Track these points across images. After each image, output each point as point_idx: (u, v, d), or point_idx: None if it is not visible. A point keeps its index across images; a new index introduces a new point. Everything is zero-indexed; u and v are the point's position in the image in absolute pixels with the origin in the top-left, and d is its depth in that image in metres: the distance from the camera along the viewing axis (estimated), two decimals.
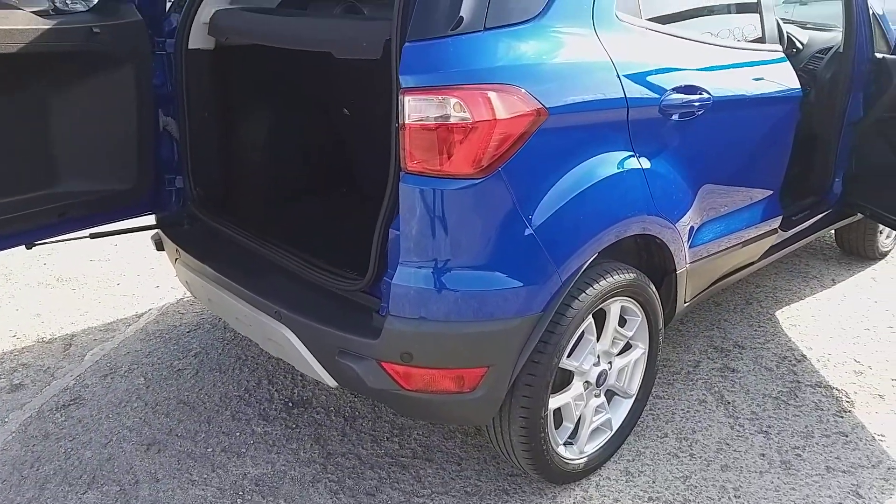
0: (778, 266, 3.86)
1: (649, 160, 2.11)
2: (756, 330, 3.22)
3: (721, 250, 2.59)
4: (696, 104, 2.21)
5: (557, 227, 1.87)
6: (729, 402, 2.70)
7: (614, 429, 2.36)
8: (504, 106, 1.70)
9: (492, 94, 1.68)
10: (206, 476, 2.32)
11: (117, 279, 3.71)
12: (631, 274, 2.15)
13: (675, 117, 2.15)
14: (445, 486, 2.27)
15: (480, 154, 1.70)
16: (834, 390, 2.78)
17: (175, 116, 2.61)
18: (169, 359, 2.98)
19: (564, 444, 2.22)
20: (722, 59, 2.39)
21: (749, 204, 2.66)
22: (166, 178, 2.69)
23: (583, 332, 2.11)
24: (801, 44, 3.52)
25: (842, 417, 2.63)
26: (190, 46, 2.54)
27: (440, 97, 1.66)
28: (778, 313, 3.38)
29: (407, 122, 1.69)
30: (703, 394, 2.75)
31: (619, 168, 2.00)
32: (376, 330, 1.85)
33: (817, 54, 3.48)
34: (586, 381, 2.20)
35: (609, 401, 2.39)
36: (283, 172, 2.90)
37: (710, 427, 2.56)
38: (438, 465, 2.37)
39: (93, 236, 2.56)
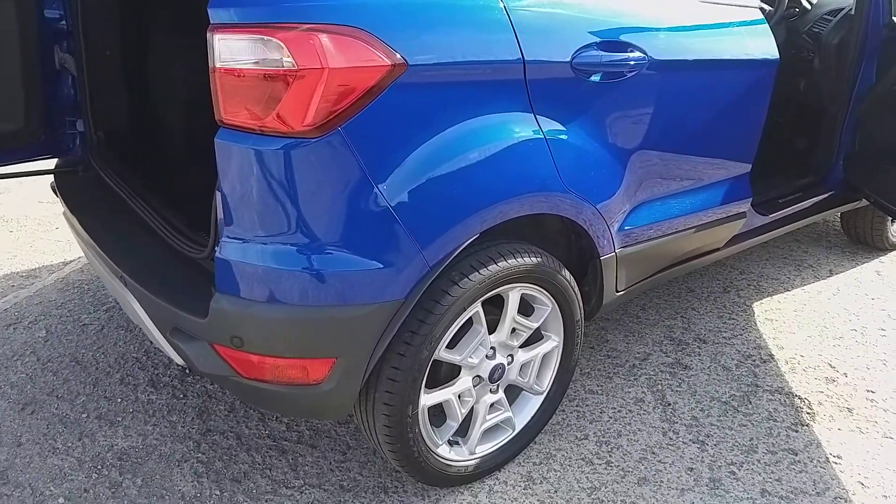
0: (771, 250, 3.47)
1: (557, 128, 1.78)
2: (725, 322, 2.88)
3: (665, 235, 2.25)
4: (627, 64, 1.86)
5: (421, 202, 1.58)
6: (669, 404, 2.39)
7: (517, 428, 2.09)
8: (341, 53, 1.40)
9: (324, 38, 1.38)
10: (70, 445, 2.15)
11: (58, 223, 3.56)
12: (533, 258, 1.85)
13: (594, 78, 1.80)
14: (320, 479, 2.06)
15: (310, 108, 1.41)
16: (795, 398, 2.44)
17: (74, 53, 2.38)
18: (78, 312, 2.81)
19: (450, 444, 1.97)
20: (667, 13, 2.01)
21: (704, 185, 2.30)
22: (66, 121, 2.48)
23: (470, 320, 1.83)
24: (810, 3, 3.05)
25: (796, 432, 2.30)
26: None
27: (258, 37, 1.37)
28: (756, 304, 3.02)
29: (217, 65, 1.41)
30: (643, 392, 2.45)
31: (509, 135, 1.68)
32: (207, 309, 1.61)
33: (825, 16, 3.02)
34: (477, 376, 1.92)
35: (515, 397, 2.12)
36: (188, 119, 2.64)
37: (640, 431, 2.27)
38: (321, 453, 2.14)
39: None
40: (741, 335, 2.79)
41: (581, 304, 2.06)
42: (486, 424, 2.00)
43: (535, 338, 2.07)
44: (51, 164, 2.54)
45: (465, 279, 1.73)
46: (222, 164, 1.48)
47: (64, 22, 2.37)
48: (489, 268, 1.76)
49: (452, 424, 1.92)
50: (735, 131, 2.30)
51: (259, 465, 2.10)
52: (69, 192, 2.30)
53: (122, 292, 1.86)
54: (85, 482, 2.02)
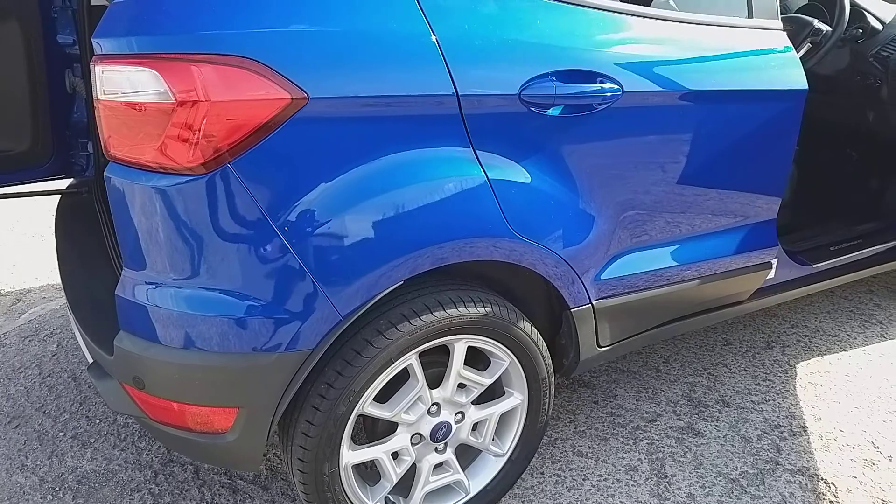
0: (836, 301, 3.07)
1: (505, 166, 1.60)
2: (759, 384, 2.55)
3: (660, 286, 2.00)
4: (594, 96, 1.65)
5: (329, 247, 1.45)
6: (665, 476, 2.12)
7: (472, 492, 1.90)
8: (227, 85, 1.31)
9: (206, 69, 1.29)
10: (38, 463, 2.18)
11: None
12: (481, 307, 1.68)
13: (552, 112, 1.61)
14: None
15: (194, 143, 1.32)
16: (820, 482, 2.10)
17: (85, 77, 2.44)
18: None
19: None
20: (647, 39, 1.78)
21: (709, 232, 2.03)
22: (79, 143, 2.55)
23: (404, 373, 1.68)
24: (881, 23, 2.67)
25: None
26: (93, 2, 2.34)
27: (137, 68, 1.30)
28: (801, 365, 2.65)
29: (100, 97, 1.35)
30: (640, 459, 2.19)
31: (439, 174, 1.52)
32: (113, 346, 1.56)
33: None
34: (417, 434, 1.76)
35: (474, 458, 1.93)
36: None
37: (615, 497, 2.02)
38: (270, 497, 2.05)
39: None
40: (774, 400, 2.46)
41: (547, 361, 1.86)
42: (430, 486, 1.83)
43: (498, 393, 1.89)
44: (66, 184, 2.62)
45: (393, 329, 1.58)
46: (112, 200, 1.42)
47: (77, 46, 2.44)
48: (423, 317, 1.61)
49: (386, 485, 1.77)
50: (750, 172, 2.01)
51: (206, 503, 2.03)
52: (63, 212, 2.35)
53: (71, 321, 1.86)
54: (39, 503, 2.03)
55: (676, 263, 2.01)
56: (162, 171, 1.36)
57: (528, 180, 1.64)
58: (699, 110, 1.83)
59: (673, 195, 1.89)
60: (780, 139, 2.00)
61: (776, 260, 2.26)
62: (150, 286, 1.46)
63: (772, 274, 2.28)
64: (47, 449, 2.23)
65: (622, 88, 1.68)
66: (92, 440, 2.27)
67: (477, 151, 1.56)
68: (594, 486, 2.08)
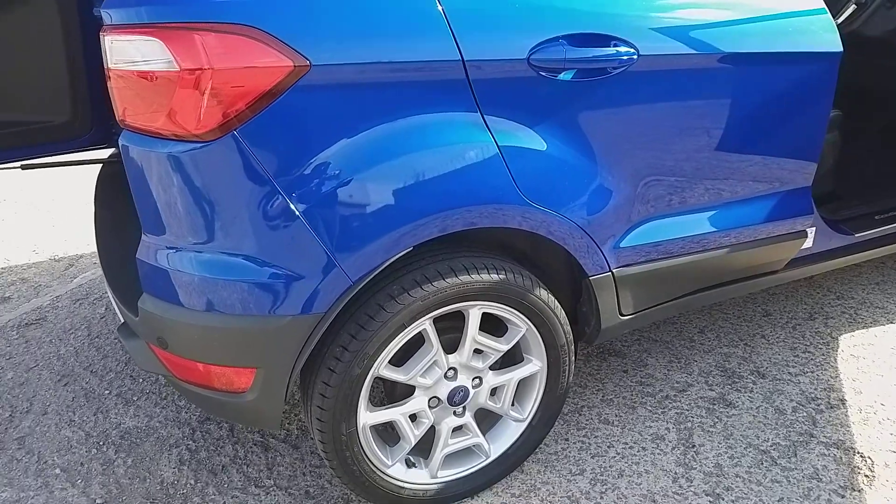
0: (886, 272, 2.94)
1: (515, 132, 1.59)
2: (798, 355, 2.47)
3: (685, 254, 1.95)
4: (608, 60, 1.61)
5: (336, 212, 1.47)
6: (693, 446, 2.09)
7: (492, 455, 1.92)
8: (230, 53, 1.33)
9: (209, 38, 1.32)
10: (85, 419, 2.30)
11: None
12: (494, 274, 1.68)
13: (564, 77, 1.58)
14: (290, 482, 2.03)
15: (200, 111, 1.35)
16: (856, 456, 2.04)
17: None
18: None
19: (406, 465, 1.85)
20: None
21: (738, 199, 1.96)
22: None
23: (421, 338, 1.70)
24: None
25: (842, 497, 1.92)
26: None
27: (143, 38, 1.34)
28: (844, 337, 2.56)
29: (110, 66, 1.39)
30: (667, 428, 2.16)
31: (445, 140, 1.52)
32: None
33: None
34: (434, 397, 1.79)
35: (495, 422, 1.95)
36: None
37: (647, 474, 2.00)
38: (300, 456, 2.12)
39: (24, 167, 2.58)
40: (812, 373, 2.38)
41: (566, 328, 1.84)
42: (450, 449, 1.86)
43: (518, 359, 1.89)
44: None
45: (405, 295, 1.60)
46: (127, 167, 1.47)
47: None
48: (435, 284, 1.62)
49: (405, 446, 1.81)
50: (781, 138, 1.93)
51: (240, 459, 2.11)
52: (102, 181, 2.44)
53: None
54: (84, 456, 2.15)
55: (702, 231, 1.96)
56: (172, 138, 1.40)
57: (541, 147, 1.62)
58: (722, 73, 1.76)
59: (696, 162, 1.83)
60: (812, 104, 1.91)
61: (813, 229, 2.17)
62: (169, 250, 1.52)
63: (809, 243, 2.19)
64: (93, 406, 2.36)
65: (638, 52, 1.63)
66: (135, 398, 2.39)
67: (485, 117, 1.55)
68: (619, 454, 2.08)
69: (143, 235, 1.55)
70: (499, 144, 1.56)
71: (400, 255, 1.56)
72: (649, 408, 2.25)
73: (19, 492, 2.02)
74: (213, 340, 1.56)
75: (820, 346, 2.52)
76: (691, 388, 2.34)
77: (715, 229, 1.97)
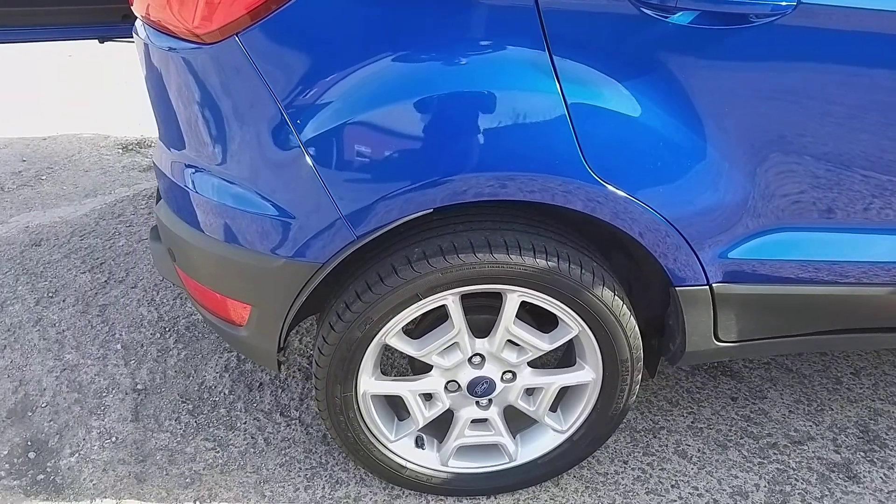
0: None
1: (594, 86, 1.21)
2: None
3: (832, 283, 1.46)
4: (751, 4, 1.15)
5: (345, 150, 1.22)
6: None
7: (518, 461, 1.64)
8: None
9: None
10: (164, 301, 2.34)
11: None
12: (546, 261, 1.35)
13: (679, 19, 1.16)
14: (315, 419, 1.90)
15: (196, 4, 1.15)
16: None
17: None
18: None
19: (416, 444, 1.64)
20: None
21: None
22: None
23: (445, 315, 1.44)
24: None
25: None
26: None
27: None
28: None
29: None
30: (756, 485, 1.73)
31: (490, 81, 1.19)
32: None
33: None
34: (453, 381, 1.53)
35: (530, 424, 1.66)
36: None
37: None
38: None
39: (102, 40, 2.58)
40: None
41: (634, 342, 1.48)
42: (466, 440, 1.61)
43: (571, 362, 1.57)
44: None
45: (424, 262, 1.34)
46: (138, 55, 1.33)
47: None
48: (463, 256, 1.33)
49: (412, 424, 1.58)
50: None
51: (279, 381, 2.03)
52: None
53: None
54: (148, 338, 2.19)
55: (861, 259, 1.46)
56: (173, 34, 1.22)
57: (627, 108, 1.23)
58: None
59: (864, 161, 1.32)
60: None
61: None
62: (173, 159, 1.38)
63: None
64: (176, 291, 2.40)
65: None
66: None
67: (554, 59, 1.19)
68: (681, 498, 1.70)
69: (158, 138, 1.43)
70: (566, 97, 1.20)
71: (417, 215, 1.28)
72: (745, 453, 1.82)
73: (80, 357, 2.10)
74: (209, 265, 1.43)
75: None
76: (811, 442, 1.85)
77: (873, 259, 1.45)
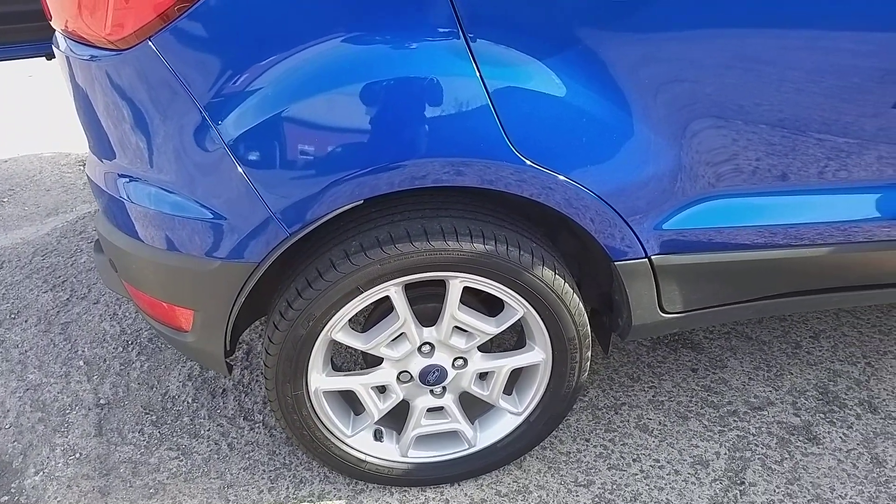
0: None
1: (509, 63, 1.21)
2: None
3: (770, 247, 1.48)
4: None
5: (269, 148, 1.22)
6: (741, 483, 1.67)
7: (477, 446, 1.65)
8: None
9: None
10: (126, 314, 2.34)
11: None
12: (483, 244, 1.36)
13: None
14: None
15: (106, 10, 1.15)
16: None
17: None
18: None
19: (375, 437, 1.64)
20: None
21: (859, 182, 1.43)
22: None
23: (388, 306, 1.45)
24: None
25: None
26: None
27: None
28: None
29: None
30: (717, 453, 1.75)
31: (405, 67, 1.19)
32: None
33: None
34: (405, 372, 1.54)
35: (488, 409, 1.67)
36: None
37: (663, 491, 1.64)
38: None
39: (49, 57, 2.56)
40: None
41: (579, 318, 1.49)
42: (423, 430, 1.61)
43: (520, 345, 1.58)
44: None
45: (362, 254, 1.34)
46: (64, 73, 1.32)
47: None
48: (400, 246, 1.34)
49: (367, 418, 1.59)
50: None
51: (242, 385, 2.03)
52: None
53: None
54: (110, 353, 2.18)
55: (797, 221, 1.47)
56: (90, 43, 1.22)
57: (549, 87, 1.24)
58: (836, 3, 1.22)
59: (797, 123, 1.33)
60: None
61: None
62: (105, 170, 1.38)
63: None
64: None
65: None
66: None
67: (469, 40, 1.19)
68: (642, 472, 1.71)
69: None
70: (484, 79, 1.20)
71: (346, 208, 1.29)
72: (705, 422, 1.83)
73: (43, 376, 2.10)
74: (150, 273, 1.43)
75: None
76: (771, 407, 1.87)
77: (816, 221, 1.47)
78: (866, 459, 1.71)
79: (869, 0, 1.22)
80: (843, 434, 1.78)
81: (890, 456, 1.72)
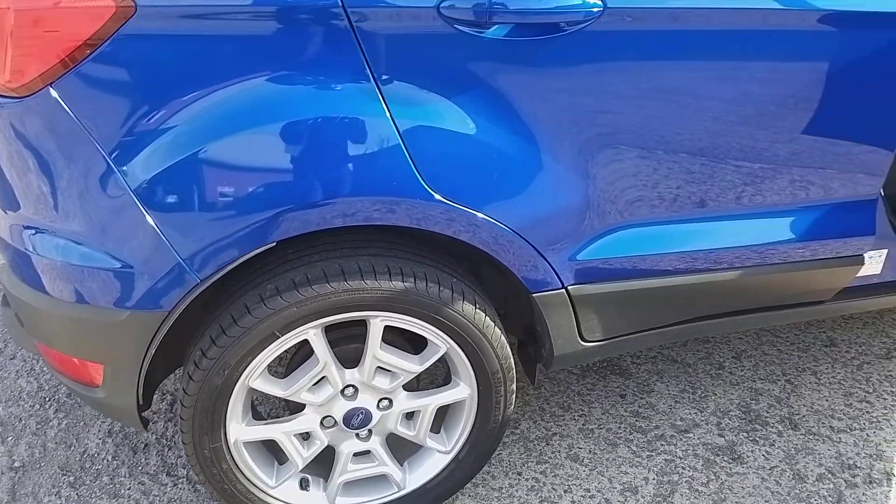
0: None
1: (419, 104, 1.23)
2: (851, 405, 1.96)
3: (678, 272, 1.53)
4: (560, 13, 1.20)
5: (176, 193, 1.20)
6: (664, 502, 1.69)
7: (407, 488, 1.63)
8: None
9: None
10: (44, 370, 2.24)
11: None
12: (401, 282, 1.35)
13: (493, 34, 1.20)
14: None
15: (6, 59, 1.12)
16: None
17: None
18: None
19: (301, 486, 1.60)
20: None
21: (761, 209, 1.49)
22: None
23: (309, 350, 1.43)
24: None
25: None
26: None
27: None
28: None
29: None
30: (645, 479, 1.76)
31: (317, 111, 1.20)
32: None
33: None
34: (328, 417, 1.51)
35: (416, 450, 1.65)
36: None
37: None
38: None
39: None
40: (861, 431, 1.87)
41: (501, 352, 1.49)
42: (351, 475, 1.58)
43: (446, 382, 1.58)
44: None
45: (277, 298, 1.32)
46: None
47: None
48: (316, 287, 1.32)
49: (292, 467, 1.55)
50: (824, 130, 1.42)
51: (165, 440, 1.95)
52: None
53: None
54: (27, 411, 2.08)
55: (706, 247, 1.52)
56: None
57: (457, 125, 1.26)
58: (737, 35, 1.29)
59: (693, 156, 1.39)
60: (880, 88, 1.39)
61: (883, 252, 1.65)
62: (10, 222, 1.33)
63: (875, 269, 1.68)
64: None
65: (604, 4, 1.21)
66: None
67: (378, 82, 1.20)
68: (573, 502, 1.71)
69: None
70: (395, 119, 1.21)
71: (261, 250, 1.27)
72: (634, 448, 1.85)
73: None
74: (56, 327, 1.37)
75: (884, 397, 1.98)
76: (696, 429, 1.90)
77: (724, 245, 1.52)
78: (788, 476, 1.76)
79: (780, 34, 1.30)
80: (766, 452, 1.83)
81: (811, 471, 1.77)
